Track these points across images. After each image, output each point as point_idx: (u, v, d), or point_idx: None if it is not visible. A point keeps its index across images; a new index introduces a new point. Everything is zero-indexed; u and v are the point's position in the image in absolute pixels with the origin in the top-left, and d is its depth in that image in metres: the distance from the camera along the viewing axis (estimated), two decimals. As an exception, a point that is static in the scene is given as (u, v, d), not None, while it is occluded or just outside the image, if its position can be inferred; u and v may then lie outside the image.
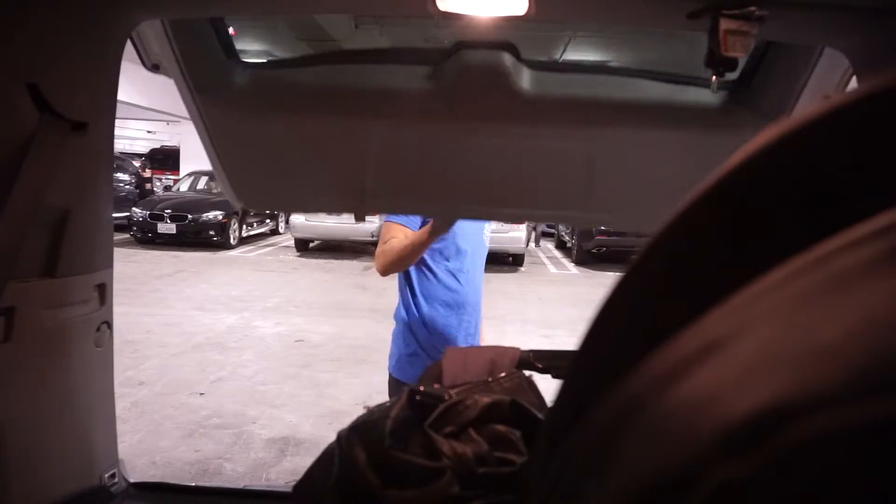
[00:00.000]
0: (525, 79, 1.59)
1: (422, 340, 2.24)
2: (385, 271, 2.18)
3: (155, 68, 1.57)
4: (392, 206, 2.05)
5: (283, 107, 1.65)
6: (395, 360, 2.28)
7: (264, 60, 1.69)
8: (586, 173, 1.74)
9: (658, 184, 1.74)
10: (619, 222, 2.12)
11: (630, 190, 1.80)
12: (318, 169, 1.84)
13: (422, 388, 0.88)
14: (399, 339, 2.30)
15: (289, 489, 0.96)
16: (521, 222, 2.43)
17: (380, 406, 0.86)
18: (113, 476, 1.58)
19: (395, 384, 2.26)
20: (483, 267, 2.37)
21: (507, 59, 1.56)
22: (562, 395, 0.27)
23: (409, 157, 1.77)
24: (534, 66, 1.60)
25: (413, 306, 2.27)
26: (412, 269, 2.25)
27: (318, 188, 1.92)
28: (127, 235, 11.91)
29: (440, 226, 2.03)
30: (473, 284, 2.30)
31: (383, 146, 1.72)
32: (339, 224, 11.69)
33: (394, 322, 2.34)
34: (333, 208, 2.05)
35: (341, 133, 1.70)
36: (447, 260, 2.24)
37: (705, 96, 1.50)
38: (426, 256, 2.20)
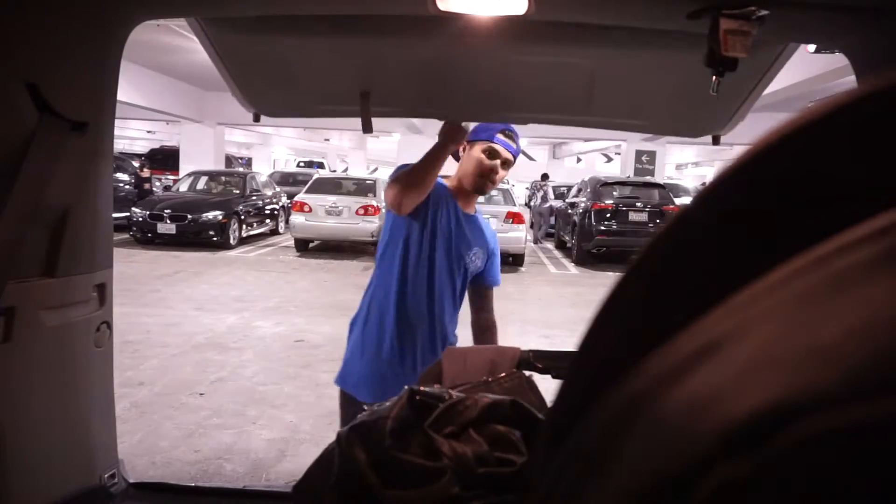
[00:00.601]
0: None
1: (368, 352, 2.02)
2: (399, 197, 1.90)
3: None
4: (396, 110, 2.14)
5: (288, 27, 1.66)
6: (344, 369, 2.10)
7: None
8: (586, 85, 1.82)
9: (653, 95, 1.86)
10: (615, 126, 2.22)
11: (627, 99, 1.92)
12: (324, 81, 1.92)
13: (422, 388, 0.88)
14: (350, 346, 2.11)
15: (289, 489, 0.96)
16: (525, 123, 2.40)
17: (380, 406, 0.86)
18: (113, 476, 1.58)
19: (344, 399, 2.08)
20: (452, 290, 2.04)
21: None
22: (562, 395, 0.27)
23: (412, 67, 1.82)
24: None
25: (367, 312, 2.06)
26: (375, 271, 2.04)
27: (325, 96, 2.04)
28: (127, 235, 11.91)
29: (452, 128, 1.91)
30: (436, 307, 2.00)
31: (386, 58, 1.76)
32: (339, 224, 11.70)
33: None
34: (340, 114, 2.07)
35: (346, 48, 1.74)
36: (409, 267, 1.99)
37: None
38: (389, 258, 2.00)
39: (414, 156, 2.09)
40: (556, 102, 2.00)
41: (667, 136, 16.91)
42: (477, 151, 1.99)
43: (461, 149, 2.03)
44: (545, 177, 17.99)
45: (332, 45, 1.72)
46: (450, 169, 2.07)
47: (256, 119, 2.05)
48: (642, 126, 2.25)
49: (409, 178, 1.92)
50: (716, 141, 2.01)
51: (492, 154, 1.98)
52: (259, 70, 1.85)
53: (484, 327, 2.14)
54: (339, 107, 2.05)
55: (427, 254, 1.99)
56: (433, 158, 1.94)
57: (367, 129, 1.91)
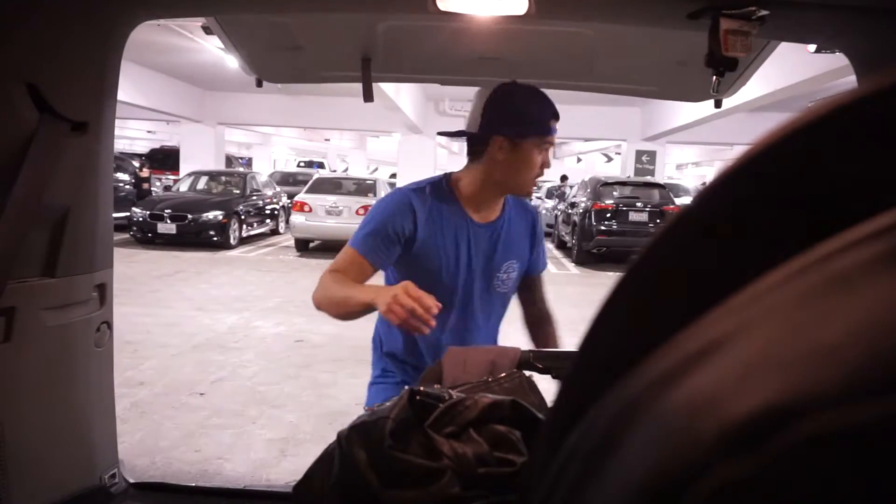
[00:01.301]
0: None
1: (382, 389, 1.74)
2: (318, 305, 1.62)
3: None
4: (398, 75, 2.20)
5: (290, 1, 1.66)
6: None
7: None
8: (590, 51, 1.86)
9: (655, 60, 1.92)
10: (618, 91, 2.25)
11: (630, 64, 1.99)
12: (327, 48, 1.95)
13: (422, 389, 0.88)
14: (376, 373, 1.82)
15: (289, 489, 0.96)
16: None
17: (380, 406, 0.86)
18: (113, 476, 1.58)
19: None
20: (486, 314, 1.76)
21: None
22: (562, 396, 0.27)
23: (413, 33, 1.85)
24: None
25: (381, 340, 1.80)
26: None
27: (327, 62, 2.07)
28: (127, 235, 11.91)
29: (382, 306, 1.38)
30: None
31: (387, 25, 1.78)
32: (339, 224, 11.69)
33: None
34: (342, 79, 2.09)
35: (348, 20, 1.77)
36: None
37: None
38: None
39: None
40: (559, 67, 2.01)
41: (667, 136, 16.92)
42: (528, 151, 1.58)
43: (497, 146, 1.59)
44: (564, 178, 17.07)
45: (334, 13, 1.74)
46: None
47: (259, 84, 2.05)
48: (645, 91, 2.27)
49: (329, 300, 1.60)
50: (717, 104, 2.00)
51: (545, 148, 1.60)
52: (261, 36, 1.85)
53: (537, 320, 1.89)
54: (341, 72, 2.06)
55: (443, 277, 1.67)
56: (352, 310, 1.54)
57: (368, 97, 1.91)
